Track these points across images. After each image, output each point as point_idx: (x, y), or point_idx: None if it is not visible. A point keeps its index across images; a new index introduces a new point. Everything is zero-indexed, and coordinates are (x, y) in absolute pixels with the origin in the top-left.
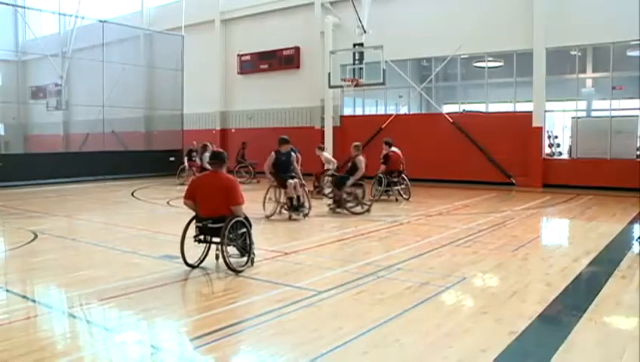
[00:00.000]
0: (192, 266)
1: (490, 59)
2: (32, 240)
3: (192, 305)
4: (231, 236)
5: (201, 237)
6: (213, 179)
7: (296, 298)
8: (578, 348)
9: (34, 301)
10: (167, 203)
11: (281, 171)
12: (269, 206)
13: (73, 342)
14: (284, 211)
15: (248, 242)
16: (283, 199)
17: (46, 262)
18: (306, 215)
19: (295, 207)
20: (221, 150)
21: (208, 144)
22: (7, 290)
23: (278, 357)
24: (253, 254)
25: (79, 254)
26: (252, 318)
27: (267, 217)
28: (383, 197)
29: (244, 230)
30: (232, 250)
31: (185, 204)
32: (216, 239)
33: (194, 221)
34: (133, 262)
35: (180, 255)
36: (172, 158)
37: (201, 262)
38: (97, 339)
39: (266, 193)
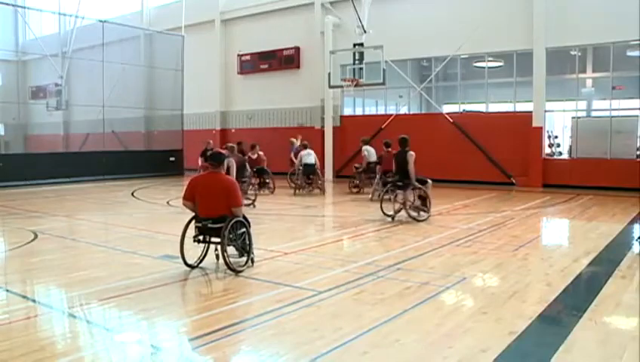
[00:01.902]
0: (192, 266)
1: (490, 59)
2: (32, 240)
3: (192, 305)
4: (231, 236)
5: (201, 237)
6: (212, 180)
7: (296, 298)
8: (578, 348)
9: (34, 301)
10: (167, 203)
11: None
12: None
13: (73, 342)
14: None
15: (248, 242)
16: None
17: (46, 262)
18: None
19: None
20: (221, 151)
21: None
22: (7, 290)
23: (278, 357)
24: (253, 254)
25: (79, 254)
26: (252, 318)
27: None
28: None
29: (244, 230)
30: (231, 250)
31: (184, 204)
32: (215, 239)
33: (193, 221)
34: (133, 262)
35: (180, 255)
36: (172, 158)
37: (201, 262)
38: (97, 339)
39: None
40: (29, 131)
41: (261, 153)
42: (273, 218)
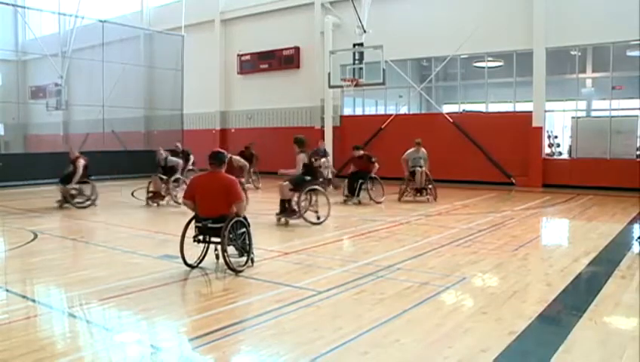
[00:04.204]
0: (192, 266)
1: (490, 59)
2: (32, 240)
3: (192, 305)
4: (231, 236)
5: (200, 237)
6: (212, 179)
7: (296, 298)
8: (578, 348)
9: (34, 301)
10: (167, 203)
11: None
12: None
13: (73, 342)
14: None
15: (248, 242)
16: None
17: (46, 262)
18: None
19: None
20: (220, 150)
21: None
22: (7, 290)
23: (278, 357)
24: (253, 254)
25: (79, 254)
26: (252, 318)
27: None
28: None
29: (244, 230)
30: (231, 249)
31: (184, 203)
32: (215, 239)
33: (193, 221)
34: (133, 262)
35: (180, 255)
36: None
37: (201, 262)
38: (97, 339)
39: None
40: (28, 131)
41: (236, 157)
42: (273, 218)
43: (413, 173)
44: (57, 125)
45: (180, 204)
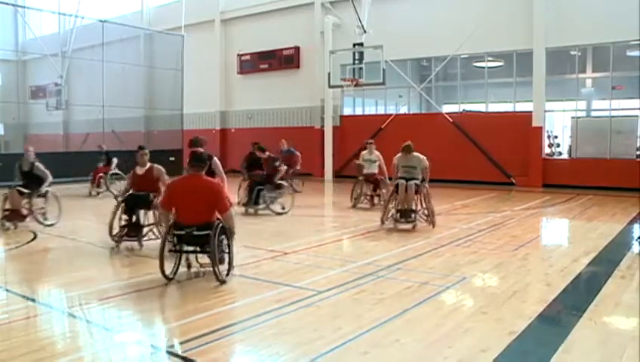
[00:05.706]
0: (169, 278)
1: (490, 59)
2: (32, 240)
3: (191, 305)
4: (216, 243)
5: (178, 246)
6: (194, 183)
7: (295, 298)
8: (578, 348)
9: (34, 301)
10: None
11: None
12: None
13: (73, 342)
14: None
15: (227, 250)
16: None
17: (46, 261)
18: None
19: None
20: (202, 151)
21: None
22: (7, 290)
23: (278, 357)
24: (232, 264)
25: (79, 254)
26: (251, 318)
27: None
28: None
29: (223, 236)
30: (205, 258)
31: (161, 213)
32: (190, 248)
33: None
34: (133, 262)
35: (159, 268)
36: (172, 158)
37: (176, 273)
38: (97, 339)
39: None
40: (28, 131)
41: (157, 166)
42: (273, 218)
43: (397, 187)
44: (57, 125)
45: (48, 225)
